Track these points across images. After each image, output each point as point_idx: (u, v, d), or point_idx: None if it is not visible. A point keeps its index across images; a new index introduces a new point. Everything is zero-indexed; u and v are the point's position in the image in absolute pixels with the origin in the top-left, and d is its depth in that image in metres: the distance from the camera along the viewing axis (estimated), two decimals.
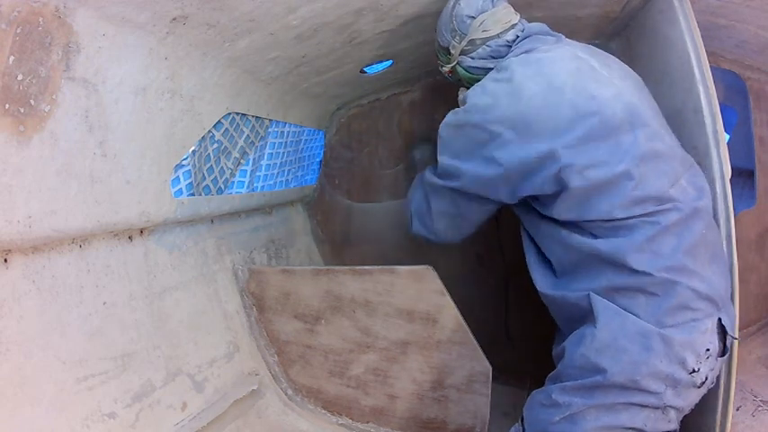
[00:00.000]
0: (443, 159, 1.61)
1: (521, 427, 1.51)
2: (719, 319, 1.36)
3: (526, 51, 1.55)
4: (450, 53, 1.70)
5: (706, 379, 1.36)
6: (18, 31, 1.05)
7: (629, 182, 1.35)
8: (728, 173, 1.57)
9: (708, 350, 1.34)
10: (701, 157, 1.62)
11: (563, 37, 1.62)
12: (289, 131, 2.48)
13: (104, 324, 1.46)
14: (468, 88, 1.70)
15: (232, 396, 1.81)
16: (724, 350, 1.38)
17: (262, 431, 1.88)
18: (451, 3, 1.67)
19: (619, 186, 1.36)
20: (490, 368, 1.84)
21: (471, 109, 1.51)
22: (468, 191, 1.58)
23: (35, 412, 1.23)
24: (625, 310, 1.36)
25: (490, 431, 1.87)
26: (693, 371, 1.32)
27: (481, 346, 1.85)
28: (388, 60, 2.36)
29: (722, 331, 1.37)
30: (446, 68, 1.77)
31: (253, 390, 1.90)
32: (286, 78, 2.07)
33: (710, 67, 1.66)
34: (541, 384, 1.52)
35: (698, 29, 1.69)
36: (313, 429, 1.98)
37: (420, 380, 1.93)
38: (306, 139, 2.69)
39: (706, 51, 1.66)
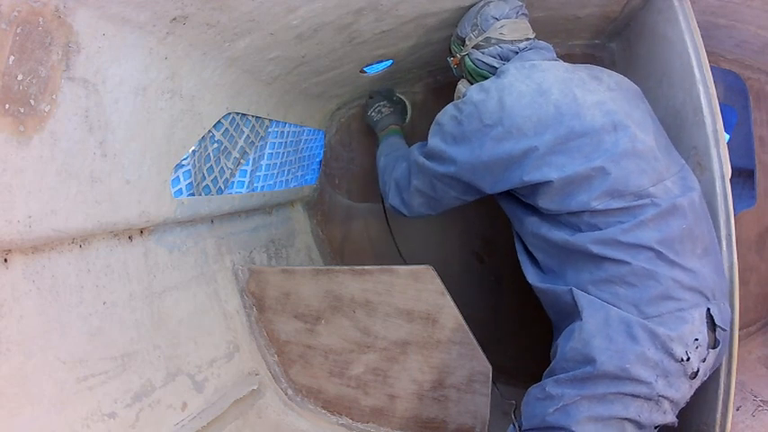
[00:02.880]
0: (434, 142, 1.72)
1: (517, 424, 1.52)
2: (708, 310, 1.38)
3: (525, 60, 1.68)
4: (464, 44, 1.84)
5: (698, 370, 1.37)
6: (18, 30, 1.05)
7: (605, 176, 1.44)
8: (728, 173, 1.57)
9: (696, 340, 1.36)
10: (700, 157, 1.62)
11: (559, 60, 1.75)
12: (289, 131, 2.48)
13: (104, 324, 1.46)
14: (470, 82, 1.85)
15: (232, 396, 1.81)
16: (716, 342, 1.40)
17: (262, 431, 1.88)
18: (482, 2, 1.82)
19: (595, 180, 1.45)
20: (490, 368, 1.84)
21: (468, 101, 1.62)
22: (452, 176, 1.68)
23: (35, 412, 1.23)
24: (607, 303, 1.41)
25: (490, 431, 1.87)
26: (682, 360, 1.34)
27: (481, 346, 1.85)
28: (388, 60, 2.36)
29: (712, 322, 1.39)
30: (456, 57, 1.91)
31: (253, 390, 1.91)
32: (286, 78, 2.07)
33: (710, 66, 1.66)
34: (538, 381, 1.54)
35: (698, 29, 1.69)
36: (313, 429, 1.98)
37: (420, 380, 1.93)
38: (306, 139, 2.69)
39: (706, 51, 1.66)
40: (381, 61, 2.35)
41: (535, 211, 1.59)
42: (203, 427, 1.64)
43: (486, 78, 1.73)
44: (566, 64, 1.67)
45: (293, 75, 2.07)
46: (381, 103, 2.48)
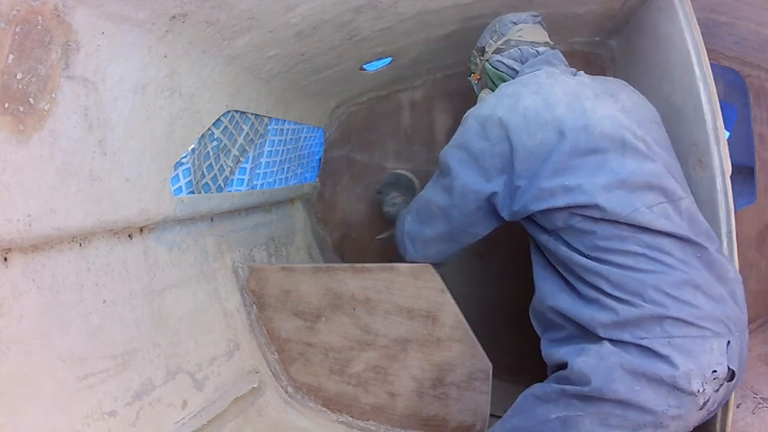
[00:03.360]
0: (444, 157, 1.66)
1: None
2: (729, 342, 1.33)
3: (538, 69, 1.67)
4: (484, 52, 1.85)
5: (708, 400, 1.32)
6: (17, 29, 1.05)
7: (601, 211, 1.38)
8: (729, 170, 1.57)
9: (714, 372, 1.30)
10: (701, 154, 1.62)
11: (580, 72, 1.71)
12: (288, 129, 2.47)
13: (104, 322, 1.46)
14: (492, 90, 1.80)
15: (232, 394, 1.81)
16: (732, 375, 1.34)
17: (262, 429, 1.88)
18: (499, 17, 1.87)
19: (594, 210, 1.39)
20: (490, 365, 1.84)
21: (476, 113, 1.59)
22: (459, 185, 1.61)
23: (36, 411, 1.23)
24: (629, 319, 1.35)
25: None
26: (698, 392, 1.28)
27: (481, 343, 1.86)
28: (387, 58, 2.36)
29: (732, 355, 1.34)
30: (476, 73, 1.91)
31: (253, 387, 1.90)
32: (285, 76, 2.06)
33: (710, 64, 1.66)
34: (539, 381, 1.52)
35: (698, 26, 1.69)
36: (313, 427, 1.98)
37: (420, 377, 1.93)
38: (305, 137, 2.69)
39: (706, 48, 1.66)
40: (381, 59, 2.35)
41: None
42: (204, 425, 1.64)
43: (506, 82, 1.73)
44: (579, 77, 1.63)
45: (293, 72, 2.06)
46: (391, 195, 2.42)
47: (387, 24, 1.92)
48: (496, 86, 1.77)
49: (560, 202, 1.42)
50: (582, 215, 1.41)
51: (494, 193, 1.54)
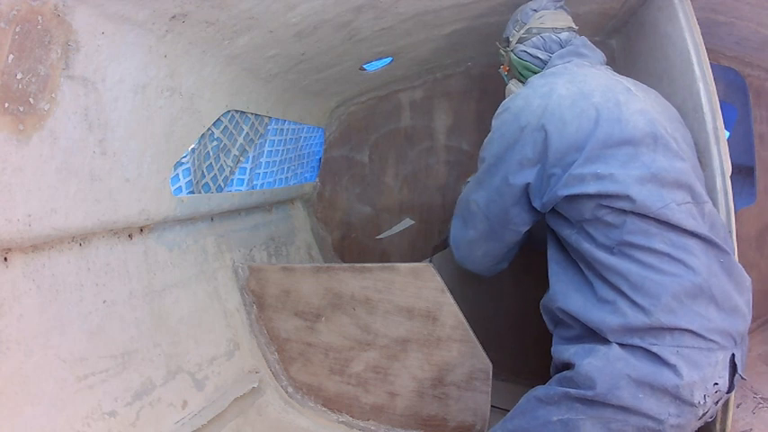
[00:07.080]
0: (484, 154, 1.67)
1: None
2: (732, 356, 1.34)
3: (568, 61, 1.67)
4: (509, 42, 1.85)
5: (707, 412, 1.33)
6: (17, 29, 1.05)
7: (631, 203, 1.37)
8: (729, 170, 1.57)
9: (716, 384, 1.31)
10: (701, 154, 1.62)
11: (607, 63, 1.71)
12: (288, 129, 2.47)
13: (104, 322, 1.46)
14: (520, 81, 1.83)
15: (232, 394, 1.81)
16: (731, 386, 1.36)
17: (262, 429, 1.88)
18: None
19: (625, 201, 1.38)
20: (491, 365, 1.84)
21: (510, 105, 1.59)
22: (498, 188, 1.60)
23: (36, 411, 1.23)
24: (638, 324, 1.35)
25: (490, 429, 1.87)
26: (699, 403, 1.30)
27: (481, 343, 1.85)
28: (387, 58, 2.35)
29: (733, 367, 1.35)
30: (505, 64, 1.90)
31: (253, 387, 1.91)
32: (285, 76, 2.06)
33: (710, 64, 1.66)
34: (539, 380, 1.52)
35: (698, 26, 1.69)
36: (313, 427, 1.98)
37: (420, 377, 1.93)
38: (305, 137, 2.69)
39: (706, 48, 1.66)
40: (381, 59, 2.35)
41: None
42: (203, 425, 1.64)
43: (533, 72, 1.75)
44: (610, 71, 1.64)
45: (293, 72, 2.06)
46: None
47: (387, 24, 1.92)
48: (524, 77, 1.80)
49: (591, 188, 1.40)
50: (611, 207, 1.39)
51: (528, 184, 1.53)
